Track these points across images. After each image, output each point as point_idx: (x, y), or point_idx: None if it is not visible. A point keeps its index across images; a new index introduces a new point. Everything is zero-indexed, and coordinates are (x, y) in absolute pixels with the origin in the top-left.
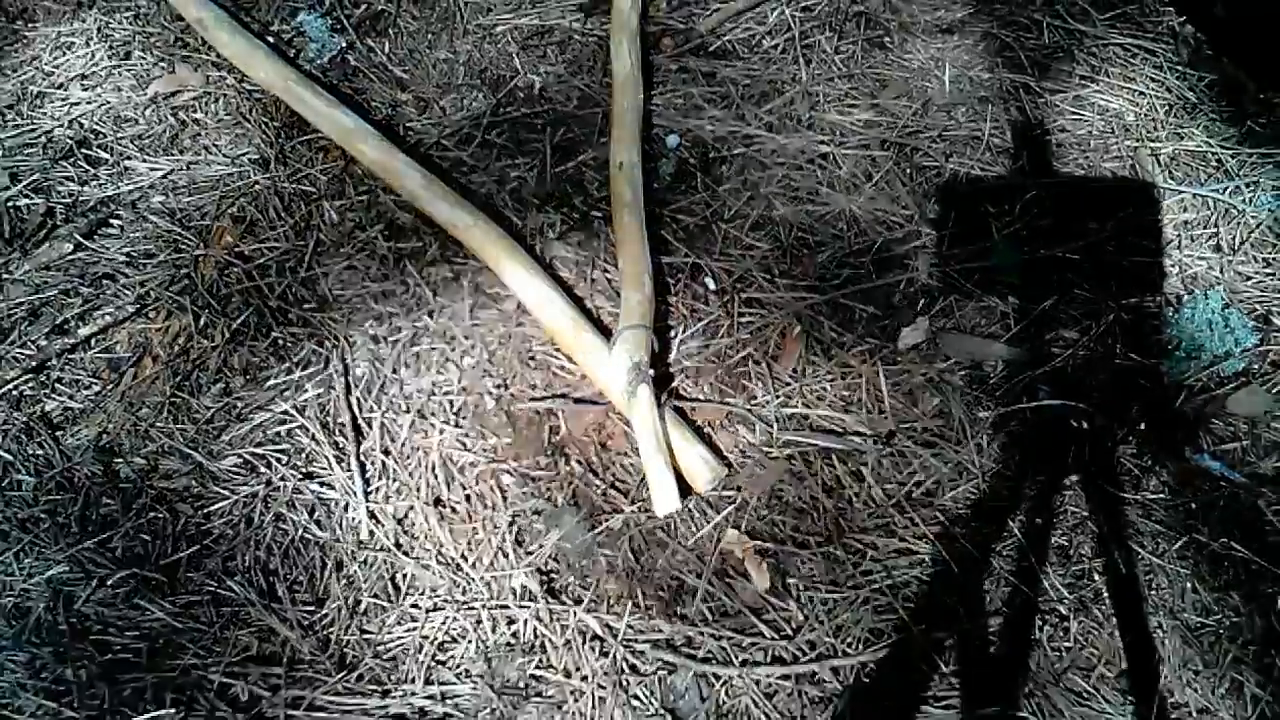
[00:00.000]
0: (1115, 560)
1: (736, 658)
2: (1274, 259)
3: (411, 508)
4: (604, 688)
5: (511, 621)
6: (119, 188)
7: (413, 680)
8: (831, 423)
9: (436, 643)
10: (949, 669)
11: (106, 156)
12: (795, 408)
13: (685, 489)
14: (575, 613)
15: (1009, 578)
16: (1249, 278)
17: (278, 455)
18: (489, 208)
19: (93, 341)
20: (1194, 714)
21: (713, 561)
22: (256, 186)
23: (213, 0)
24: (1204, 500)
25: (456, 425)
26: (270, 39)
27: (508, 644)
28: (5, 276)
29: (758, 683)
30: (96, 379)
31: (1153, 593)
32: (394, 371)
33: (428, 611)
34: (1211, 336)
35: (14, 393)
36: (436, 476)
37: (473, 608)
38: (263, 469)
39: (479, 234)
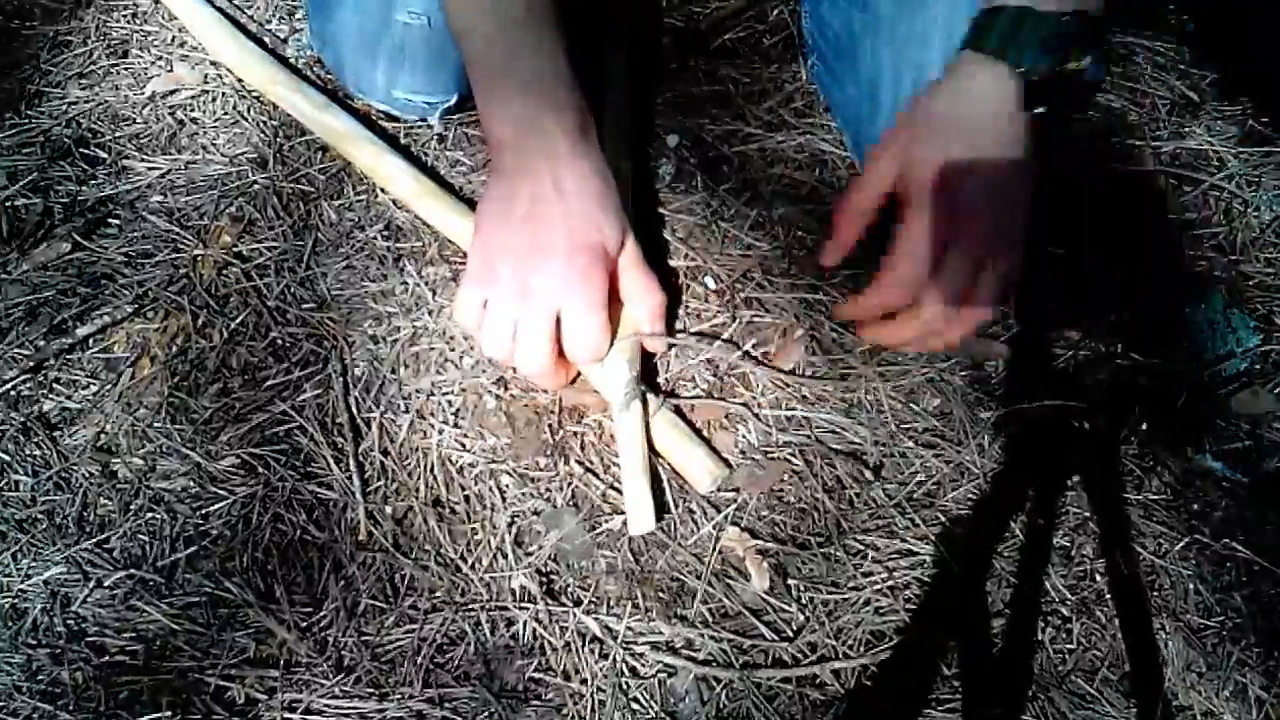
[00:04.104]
0: (1117, 561)
1: (737, 660)
2: (1277, 259)
3: (410, 508)
4: (604, 690)
5: (510, 623)
6: (117, 187)
7: (411, 683)
8: (832, 423)
9: (435, 645)
10: (951, 671)
11: (104, 156)
12: (795, 408)
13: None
14: (575, 614)
15: (1011, 579)
16: (1251, 278)
17: (276, 456)
18: None
19: (91, 341)
20: (1198, 717)
21: (712, 562)
22: (255, 186)
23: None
24: (1206, 501)
25: (455, 425)
26: (266, 39)
27: (507, 646)
28: (3, 276)
29: (758, 685)
30: (94, 379)
31: (1155, 594)
32: (393, 371)
33: (426, 613)
34: (1213, 337)
35: (12, 393)
36: (435, 477)
37: (471, 609)
38: (261, 469)
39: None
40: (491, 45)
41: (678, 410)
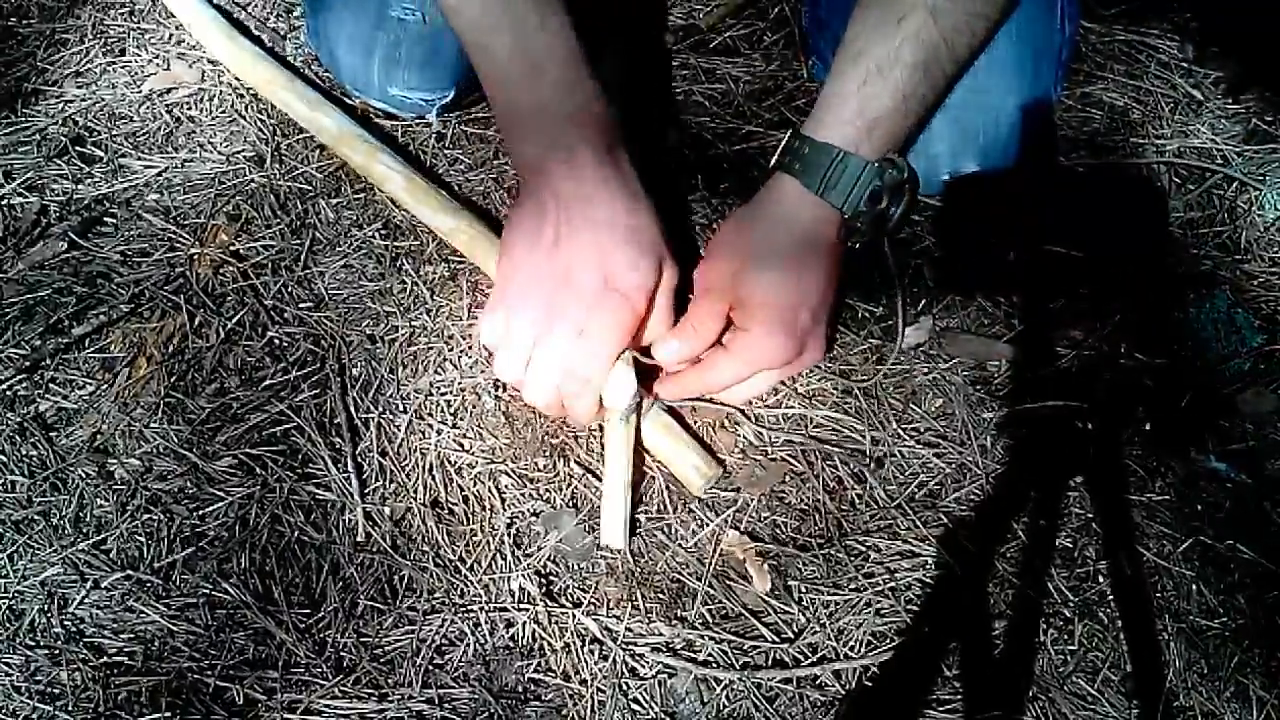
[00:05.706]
0: (1120, 563)
1: (737, 661)
2: None
3: (409, 509)
4: (604, 691)
5: (510, 624)
6: (113, 186)
7: (410, 684)
8: (833, 423)
9: (434, 646)
10: (952, 672)
11: (101, 154)
12: (796, 408)
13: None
14: (574, 615)
15: (1013, 580)
16: (1255, 277)
17: (273, 456)
18: (485, 207)
19: (87, 341)
20: (1199, 717)
21: (713, 564)
22: (252, 184)
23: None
24: (1210, 502)
25: (454, 426)
26: (265, 37)
27: (506, 647)
28: None
29: (759, 686)
30: (90, 379)
31: (1158, 595)
32: (391, 371)
33: (425, 614)
34: (1217, 337)
35: (8, 393)
36: (434, 478)
37: (470, 610)
38: (258, 470)
39: (465, 239)
40: (510, 59)
41: (674, 412)
